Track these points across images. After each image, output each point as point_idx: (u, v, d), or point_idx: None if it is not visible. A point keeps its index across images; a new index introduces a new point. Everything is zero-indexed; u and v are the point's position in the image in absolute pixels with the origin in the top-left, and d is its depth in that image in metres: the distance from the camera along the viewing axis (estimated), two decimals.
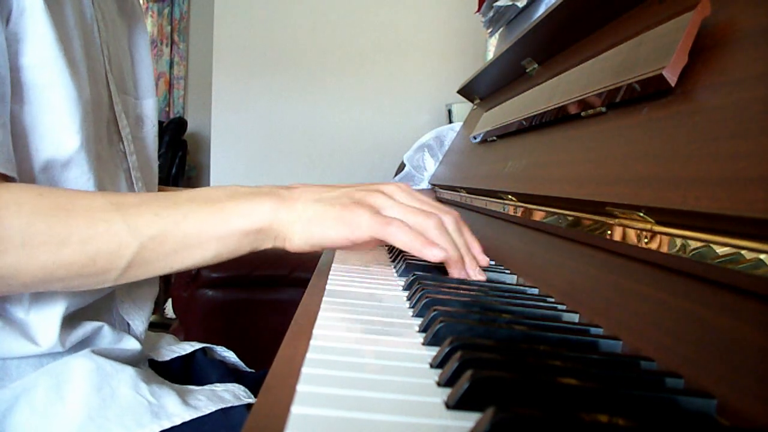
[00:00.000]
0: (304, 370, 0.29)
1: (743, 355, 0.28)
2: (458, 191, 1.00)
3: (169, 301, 2.05)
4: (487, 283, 0.53)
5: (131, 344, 0.63)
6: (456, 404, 0.26)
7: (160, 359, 0.72)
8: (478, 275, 0.53)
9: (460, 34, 2.63)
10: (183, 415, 0.54)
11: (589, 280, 0.47)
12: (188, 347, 0.76)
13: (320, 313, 0.41)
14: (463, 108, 2.04)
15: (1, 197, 0.43)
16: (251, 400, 0.61)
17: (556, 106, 0.62)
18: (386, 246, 0.62)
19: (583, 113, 0.56)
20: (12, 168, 0.47)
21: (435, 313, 0.39)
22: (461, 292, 0.48)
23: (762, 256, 0.28)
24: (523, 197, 0.66)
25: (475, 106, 1.25)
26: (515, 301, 0.47)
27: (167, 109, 3.78)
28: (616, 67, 0.51)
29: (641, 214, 0.39)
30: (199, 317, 1.57)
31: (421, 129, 2.27)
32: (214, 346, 0.80)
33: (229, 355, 0.80)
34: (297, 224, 0.48)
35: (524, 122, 0.73)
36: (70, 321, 0.56)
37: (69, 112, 0.53)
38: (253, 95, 2.62)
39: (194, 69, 3.84)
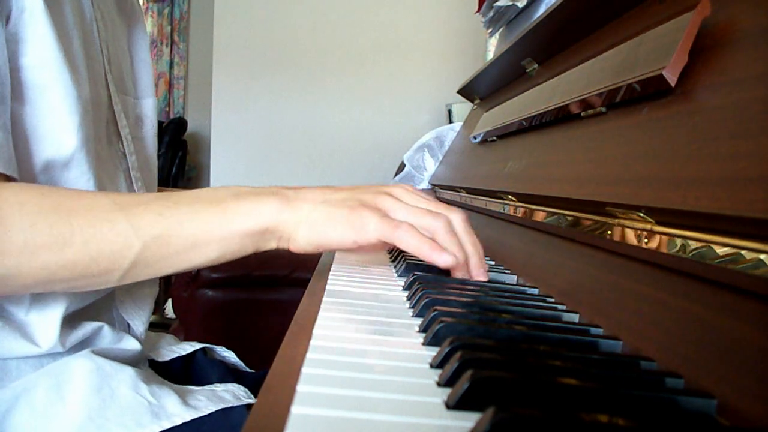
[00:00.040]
0: (304, 370, 0.29)
1: (743, 355, 0.28)
2: (458, 191, 1.00)
3: (169, 301, 2.06)
4: (487, 283, 0.53)
5: (131, 344, 0.63)
6: (456, 404, 0.26)
7: (160, 359, 0.72)
8: (481, 276, 0.53)
9: (460, 34, 2.63)
10: (183, 415, 0.54)
11: (589, 280, 0.47)
12: (188, 347, 0.76)
13: (320, 313, 0.41)
14: (463, 108, 2.04)
15: (3, 197, 0.43)
16: (251, 400, 0.60)
17: (556, 106, 0.62)
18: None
19: (583, 113, 0.56)
20: (13, 168, 0.47)
21: (435, 313, 0.39)
22: (461, 292, 0.48)
23: (762, 256, 0.28)
24: (523, 197, 0.66)
25: (475, 106, 1.25)
26: (515, 301, 0.47)
27: (167, 109, 3.78)
28: (616, 67, 0.51)
29: (641, 214, 0.39)
30: (199, 317, 1.57)
31: (421, 129, 2.27)
32: (214, 346, 0.80)
33: (229, 355, 0.80)
34: (302, 225, 0.48)
35: (524, 122, 0.73)
36: (70, 321, 0.56)
37: (68, 112, 0.53)
38: (253, 95, 2.62)
39: (194, 69, 3.84)
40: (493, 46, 2.25)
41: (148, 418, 0.53)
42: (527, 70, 0.88)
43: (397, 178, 1.71)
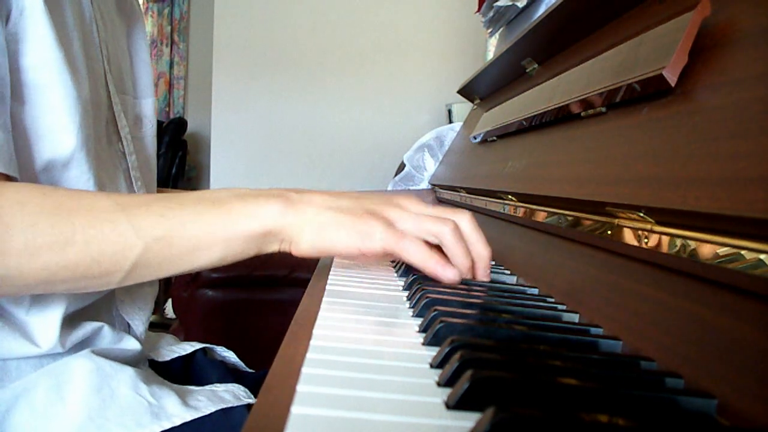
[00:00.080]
0: (304, 370, 0.29)
1: (743, 355, 0.28)
2: (458, 191, 1.00)
3: (169, 301, 2.06)
4: (487, 283, 0.53)
5: (131, 344, 0.63)
6: (456, 404, 0.26)
7: (160, 359, 0.72)
8: (483, 277, 0.53)
9: (460, 34, 2.63)
10: (183, 415, 0.54)
11: (589, 280, 0.47)
12: (188, 347, 0.76)
13: (320, 313, 0.41)
14: (463, 108, 2.04)
15: (4, 197, 0.43)
16: (251, 400, 0.60)
17: (556, 106, 0.62)
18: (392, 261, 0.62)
19: (583, 113, 0.56)
20: (14, 168, 0.47)
21: (435, 313, 0.39)
22: (461, 292, 0.48)
23: (762, 256, 0.28)
24: (523, 197, 0.66)
25: (475, 106, 1.25)
26: (515, 301, 0.47)
27: (167, 109, 3.78)
28: (616, 67, 0.51)
29: (641, 214, 0.39)
30: (199, 317, 1.57)
31: (421, 129, 2.27)
32: (214, 346, 0.80)
33: (229, 355, 0.80)
34: (306, 229, 0.48)
35: (524, 122, 0.73)
36: (70, 321, 0.56)
37: (68, 112, 0.53)
38: (253, 95, 2.62)
39: (194, 69, 3.84)
40: (493, 46, 2.25)
41: (148, 419, 0.53)
42: (527, 70, 0.88)
43: (397, 178, 1.71)
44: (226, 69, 2.60)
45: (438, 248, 0.50)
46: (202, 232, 0.46)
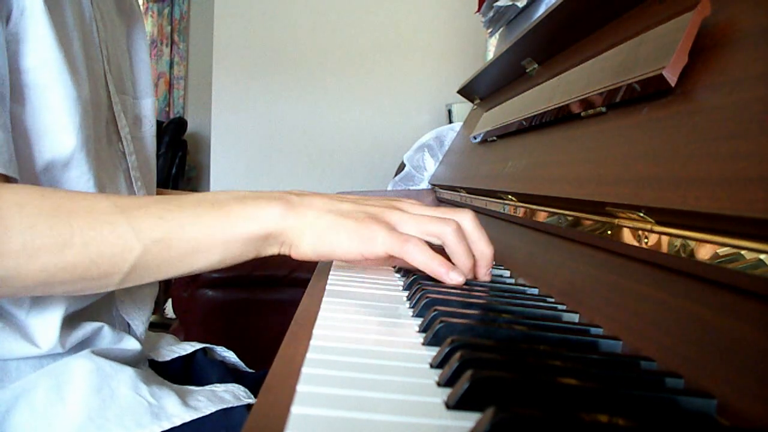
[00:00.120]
0: (304, 370, 0.29)
1: (743, 355, 0.28)
2: (458, 191, 1.00)
3: (169, 301, 2.06)
4: (487, 283, 0.53)
5: (131, 344, 0.63)
6: (456, 404, 0.26)
7: (160, 359, 0.72)
8: (485, 277, 0.53)
9: (460, 34, 2.63)
10: (183, 415, 0.54)
11: (589, 280, 0.47)
12: (188, 347, 0.76)
13: (320, 313, 0.41)
14: (463, 108, 2.04)
15: (2, 198, 0.43)
16: (251, 400, 0.60)
17: (556, 106, 0.62)
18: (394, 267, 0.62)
19: (583, 113, 0.56)
20: (14, 169, 0.47)
21: (435, 313, 0.39)
22: (461, 292, 0.48)
23: (762, 256, 0.28)
24: (523, 197, 0.66)
25: (475, 106, 1.25)
26: (515, 301, 0.47)
27: (167, 109, 3.78)
28: (616, 67, 0.51)
29: (641, 214, 0.39)
30: (199, 317, 1.57)
31: (421, 129, 2.27)
32: (214, 346, 0.80)
33: (229, 355, 0.80)
34: (307, 232, 0.47)
35: (524, 122, 0.73)
36: (70, 322, 0.56)
37: (68, 112, 0.53)
38: (253, 95, 2.62)
39: (194, 69, 3.84)
40: (493, 46, 2.25)
41: (148, 419, 0.53)
42: (527, 70, 0.88)
43: (397, 178, 1.72)
44: (226, 69, 2.60)
45: (440, 249, 0.50)
46: (201, 235, 0.46)
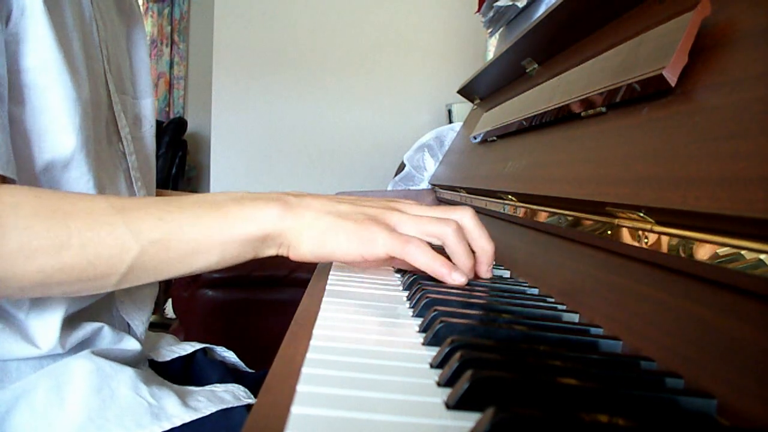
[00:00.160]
0: (304, 370, 0.29)
1: (743, 355, 0.28)
2: (458, 191, 1.00)
3: (169, 301, 2.06)
4: (487, 283, 0.53)
5: (131, 345, 0.63)
6: (456, 404, 0.26)
7: (160, 359, 0.72)
8: (486, 274, 0.53)
9: (460, 34, 2.63)
10: (183, 416, 0.54)
11: (589, 280, 0.47)
12: (188, 347, 0.76)
13: (320, 313, 0.41)
14: (463, 108, 2.04)
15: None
16: (251, 400, 0.60)
17: (556, 106, 0.62)
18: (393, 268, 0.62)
19: (583, 113, 0.56)
20: (12, 170, 0.47)
21: (435, 313, 0.39)
22: (461, 292, 0.48)
23: (762, 256, 0.28)
24: (523, 197, 0.66)
25: (475, 106, 1.25)
26: (515, 301, 0.47)
27: (167, 109, 3.78)
28: (616, 67, 0.51)
29: (641, 214, 0.39)
30: (199, 317, 1.57)
31: (421, 129, 2.27)
32: (214, 346, 0.80)
33: (229, 356, 0.80)
34: (305, 233, 0.47)
35: (524, 122, 0.73)
36: (70, 322, 0.56)
37: (68, 113, 0.53)
38: (253, 95, 2.62)
39: (194, 69, 3.84)
40: (493, 46, 2.25)
41: (147, 419, 0.53)
42: (527, 70, 0.88)
43: (397, 178, 1.72)
44: (226, 69, 2.60)
45: (440, 249, 0.50)
46: (199, 236, 0.46)
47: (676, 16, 0.44)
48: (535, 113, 0.68)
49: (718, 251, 0.31)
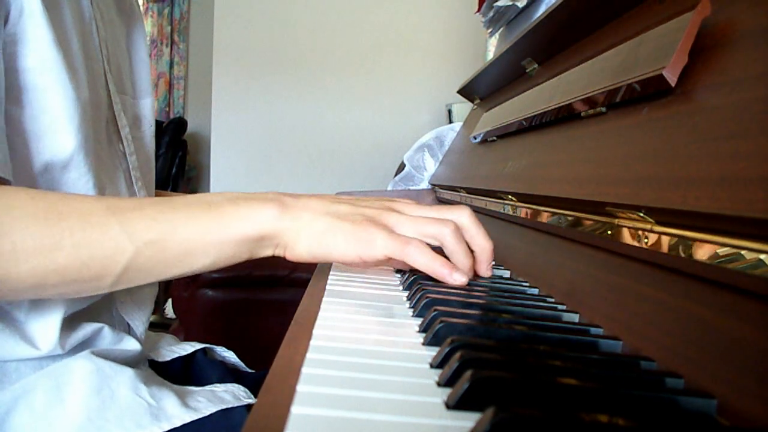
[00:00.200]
0: (304, 370, 0.29)
1: (743, 355, 0.28)
2: (458, 191, 1.00)
3: (169, 301, 2.06)
4: (487, 284, 0.53)
5: (131, 345, 0.62)
6: (456, 404, 0.26)
7: (160, 359, 0.72)
8: (486, 272, 0.53)
9: (460, 34, 2.63)
10: (183, 416, 0.54)
11: (590, 280, 0.47)
12: (188, 347, 0.76)
13: (320, 313, 0.41)
14: (463, 108, 2.04)
15: None
16: (251, 400, 0.60)
17: (556, 106, 0.62)
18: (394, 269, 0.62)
19: (583, 113, 0.56)
20: (8, 171, 0.47)
21: (435, 313, 0.39)
22: (461, 291, 0.48)
23: (762, 256, 0.28)
24: (523, 197, 0.66)
25: (475, 106, 1.25)
26: (515, 301, 0.47)
27: (167, 109, 3.78)
28: (616, 67, 0.51)
29: (641, 214, 0.39)
30: (199, 317, 1.57)
31: (421, 129, 2.27)
32: (214, 346, 0.80)
33: (229, 356, 0.80)
34: (302, 234, 0.47)
35: (524, 122, 0.73)
36: (69, 323, 0.56)
37: (67, 114, 0.53)
38: (253, 95, 2.62)
39: (194, 69, 3.84)
40: (493, 46, 2.25)
41: (147, 420, 0.53)
42: (527, 70, 0.88)
43: (397, 178, 1.72)
44: (226, 69, 2.60)
45: (439, 248, 0.50)
46: (194, 236, 0.46)
47: (676, 16, 0.44)
48: (535, 113, 0.68)
49: (718, 251, 0.31)
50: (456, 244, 0.49)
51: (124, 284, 0.47)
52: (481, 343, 0.33)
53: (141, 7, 0.72)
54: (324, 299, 0.45)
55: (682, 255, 0.34)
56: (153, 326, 0.72)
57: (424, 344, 0.36)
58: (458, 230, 0.50)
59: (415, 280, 0.51)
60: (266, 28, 2.60)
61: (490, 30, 1.44)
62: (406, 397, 0.27)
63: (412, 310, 0.45)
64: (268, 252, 0.49)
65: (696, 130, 0.37)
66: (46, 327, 0.53)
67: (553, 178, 0.57)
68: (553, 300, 0.50)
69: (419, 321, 0.41)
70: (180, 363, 0.74)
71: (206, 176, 3.23)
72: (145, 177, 0.69)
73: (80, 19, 0.58)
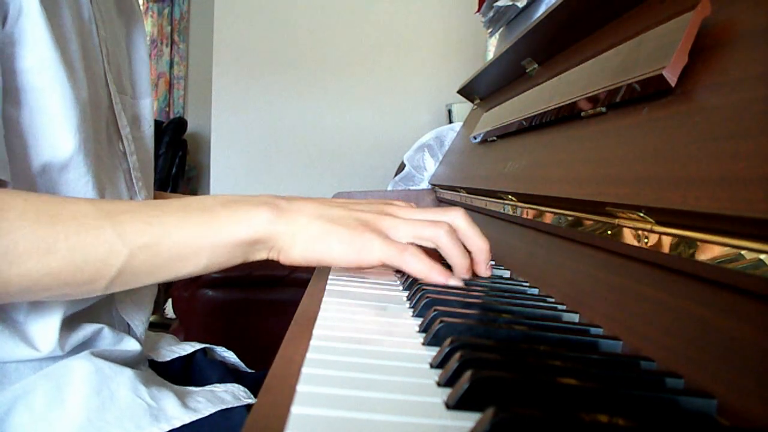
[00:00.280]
0: (304, 370, 0.29)
1: (743, 355, 0.28)
2: (458, 191, 1.00)
3: (169, 301, 2.06)
4: (487, 283, 0.53)
5: (131, 345, 0.62)
6: (456, 404, 0.26)
7: (160, 360, 0.72)
8: (485, 272, 0.53)
9: (460, 34, 2.63)
10: (182, 417, 0.54)
11: (589, 280, 0.47)
12: (188, 348, 0.76)
13: (320, 313, 0.41)
14: (463, 108, 2.04)
15: None
16: (251, 400, 0.60)
17: (556, 106, 0.62)
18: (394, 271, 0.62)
19: (583, 113, 0.56)
20: (6, 172, 0.47)
21: (435, 313, 0.39)
22: (461, 292, 0.48)
23: (762, 256, 0.28)
24: (523, 197, 0.66)
25: (475, 106, 1.25)
26: (515, 301, 0.47)
27: (167, 109, 3.78)
28: (616, 67, 0.51)
29: (641, 214, 0.39)
30: (199, 317, 1.57)
31: (421, 129, 2.27)
32: (214, 346, 0.80)
33: (229, 356, 0.80)
34: (298, 238, 0.47)
35: (524, 122, 0.73)
36: (69, 324, 0.56)
37: (66, 114, 0.52)
38: (253, 95, 2.62)
39: (194, 69, 3.84)
40: (493, 46, 2.25)
41: (147, 421, 0.52)
42: (527, 70, 0.88)
43: (397, 178, 1.72)
44: (226, 69, 2.60)
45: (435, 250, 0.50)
46: (188, 239, 0.45)
47: (676, 16, 0.44)
48: (535, 113, 0.68)
49: (718, 251, 0.31)
50: (451, 244, 0.49)
51: (118, 287, 0.46)
52: (481, 343, 0.33)
53: (141, 7, 0.72)
54: (324, 299, 0.45)
55: (682, 255, 0.34)
56: (153, 326, 0.72)
57: (424, 344, 0.36)
58: (453, 231, 0.50)
59: (414, 280, 0.51)
60: (266, 28, 2.60)
61: (490, 30, 1.44)
62: (406, 397, 0.27)
63: (412, 310, 0.45)
64: (262, 255, 0.48)
65: (696, 130, 0.37)
66: (45, 328, 0.53)
67: (553, 178, 0.57)
68: (553, 300, 0.50)
69: (419, 321, 0.41)
70: (180, 363, 0.74)
71: (206, 176, 3.23)
72: (145, 177, 0.69)
73: (79, 19, 0.58)
